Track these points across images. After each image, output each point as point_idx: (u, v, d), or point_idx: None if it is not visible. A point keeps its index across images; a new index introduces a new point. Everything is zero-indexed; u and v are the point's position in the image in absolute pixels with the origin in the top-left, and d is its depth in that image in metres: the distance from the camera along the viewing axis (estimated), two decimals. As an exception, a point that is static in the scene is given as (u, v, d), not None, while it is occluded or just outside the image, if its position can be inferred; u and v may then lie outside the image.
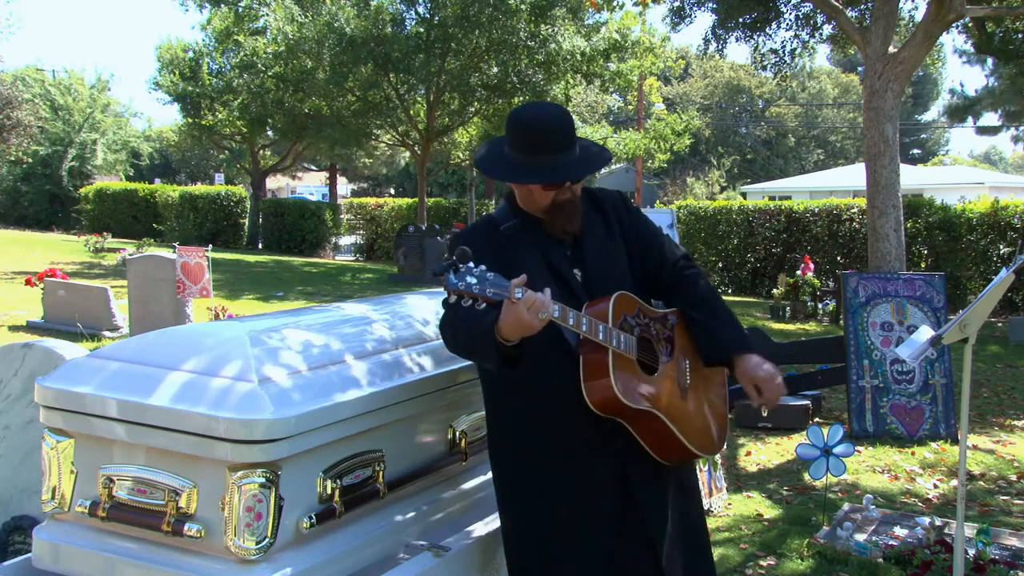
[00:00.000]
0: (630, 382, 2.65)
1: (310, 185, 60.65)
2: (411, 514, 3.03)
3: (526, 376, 2.66)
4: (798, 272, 15.63)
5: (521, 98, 20.94)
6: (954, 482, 6.16)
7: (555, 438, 2.78)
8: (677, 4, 15.32)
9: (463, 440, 3.29)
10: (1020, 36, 15.20)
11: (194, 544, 2.56)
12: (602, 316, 2.64)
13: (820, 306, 15.70)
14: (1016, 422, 8.19)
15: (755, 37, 16.20)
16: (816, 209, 18.70)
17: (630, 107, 37.28)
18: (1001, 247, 16.28)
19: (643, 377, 2.71)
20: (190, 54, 31.32)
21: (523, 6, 19.49)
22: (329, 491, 2.72)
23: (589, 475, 2.77)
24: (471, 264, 2.38)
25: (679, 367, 2.85)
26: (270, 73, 23.49)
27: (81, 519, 2.71)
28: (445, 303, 2.68)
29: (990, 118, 26.20)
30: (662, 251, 2.95)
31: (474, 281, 2.38)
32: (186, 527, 2.56)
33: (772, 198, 27.96)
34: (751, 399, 2.83)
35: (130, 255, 14.30)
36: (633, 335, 2.71)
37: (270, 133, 30.19)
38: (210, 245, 11.53)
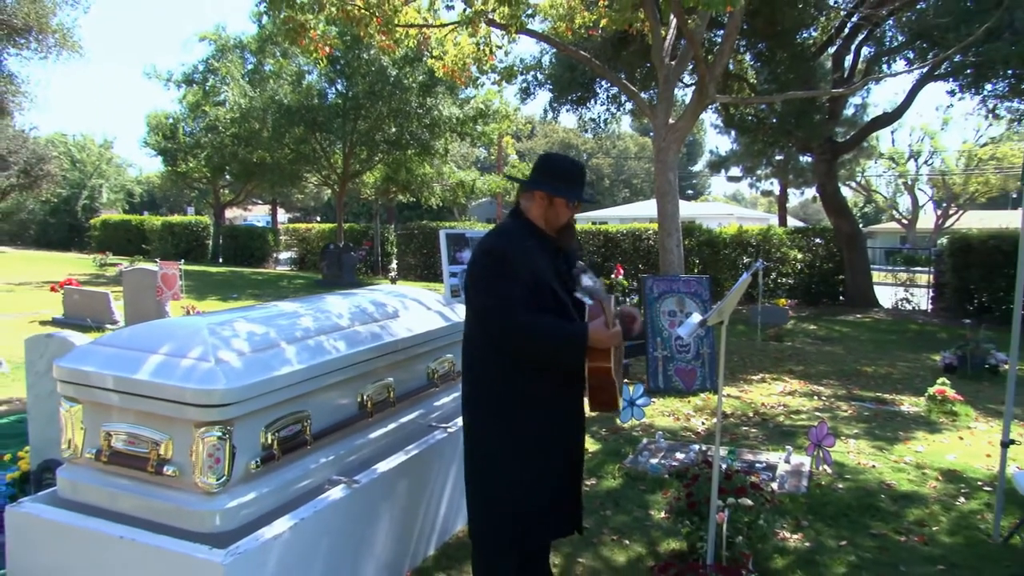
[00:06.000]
0: (614, 360, 2.71)
1: (257, 215, 58.47)
2: (331, 457, 3.02)
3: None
4: (612, 276, 16.00)
5: (412, 151, 20.94)
6: (715, 420, 6.42)
7: (547, 403, 2.75)
8: (524, 85, 15.68)
9: (370, 402, 3.28)
10: (751, 117, 16.09)
11: (171, 481, 2.53)
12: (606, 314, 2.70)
13: (628, 300, 16.10)
14: (753, 377, 8.53)
15: (579, 110, 16.66)
16: (624, 231, 19.15)
17: (492, 157, 37.35)
18: (744, 258, 17.09)
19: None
20: (170, 120, 30.31)
21: (414, 84, 19.49)
22: (270, 441, 2.70)
23: (562, 423, 2.81)
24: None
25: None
26: (228, 133, 23.12)
27: (90, 463, 2.67)
28: (512, 316, 2.57)
29: (735, 171, 27.60)
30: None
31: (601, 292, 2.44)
32: (165, 468, 2.53)
33: (594, 223, 28.44)
34: (637, 326, 3.00)
35: (125, 268, 13.60)
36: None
37: (227, 177, 29.41)
38: (183, 260, 11.15)
